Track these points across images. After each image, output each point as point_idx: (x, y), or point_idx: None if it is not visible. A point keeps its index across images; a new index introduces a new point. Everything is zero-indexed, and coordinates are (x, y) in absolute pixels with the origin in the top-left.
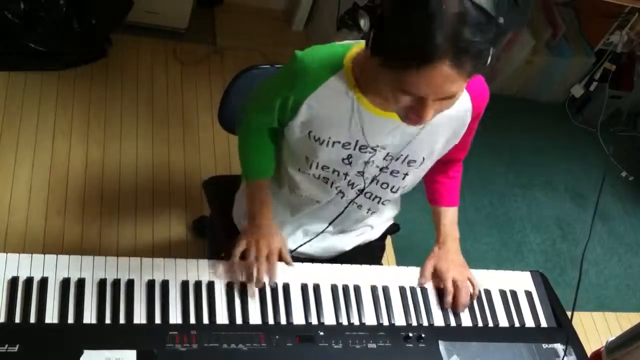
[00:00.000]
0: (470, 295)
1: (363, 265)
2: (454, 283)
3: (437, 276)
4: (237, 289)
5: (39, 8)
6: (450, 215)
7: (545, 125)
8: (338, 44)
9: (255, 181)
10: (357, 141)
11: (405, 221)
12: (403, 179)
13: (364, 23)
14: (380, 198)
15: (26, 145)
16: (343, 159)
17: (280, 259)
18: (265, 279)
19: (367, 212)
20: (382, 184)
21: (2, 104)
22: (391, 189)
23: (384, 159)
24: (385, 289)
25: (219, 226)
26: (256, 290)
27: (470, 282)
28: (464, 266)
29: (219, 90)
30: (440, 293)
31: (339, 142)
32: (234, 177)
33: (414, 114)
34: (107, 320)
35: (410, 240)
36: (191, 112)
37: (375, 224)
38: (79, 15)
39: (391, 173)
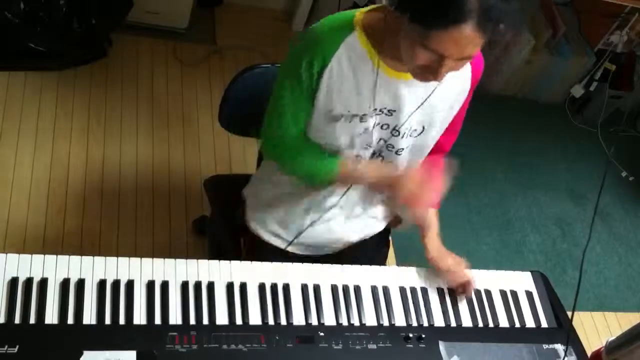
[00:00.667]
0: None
1: (363, 266)
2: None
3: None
4: (237, 290)
5: (39, 8)
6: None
7: (545, 125)
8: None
9: (341, 170)
10: (370, 106)
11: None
12: (397, 152)
13: None
14: None
15: (26, 145)
16: (360, 134)
17: None
18: None
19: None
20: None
21: (2, 104)
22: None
23: (386, 125)
24: (386, 289)
25: (220, 226)
26: (256, 290)
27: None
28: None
29: (219, 90)
30: (443, 292)
31: (357, 115)
32: (235, 176)
33: (429, 72)
34: (107, 321)
35: (410, 240)
36: (191, 112)
37: (379, 216)
38: (79, 15)
39: (387, 147)
